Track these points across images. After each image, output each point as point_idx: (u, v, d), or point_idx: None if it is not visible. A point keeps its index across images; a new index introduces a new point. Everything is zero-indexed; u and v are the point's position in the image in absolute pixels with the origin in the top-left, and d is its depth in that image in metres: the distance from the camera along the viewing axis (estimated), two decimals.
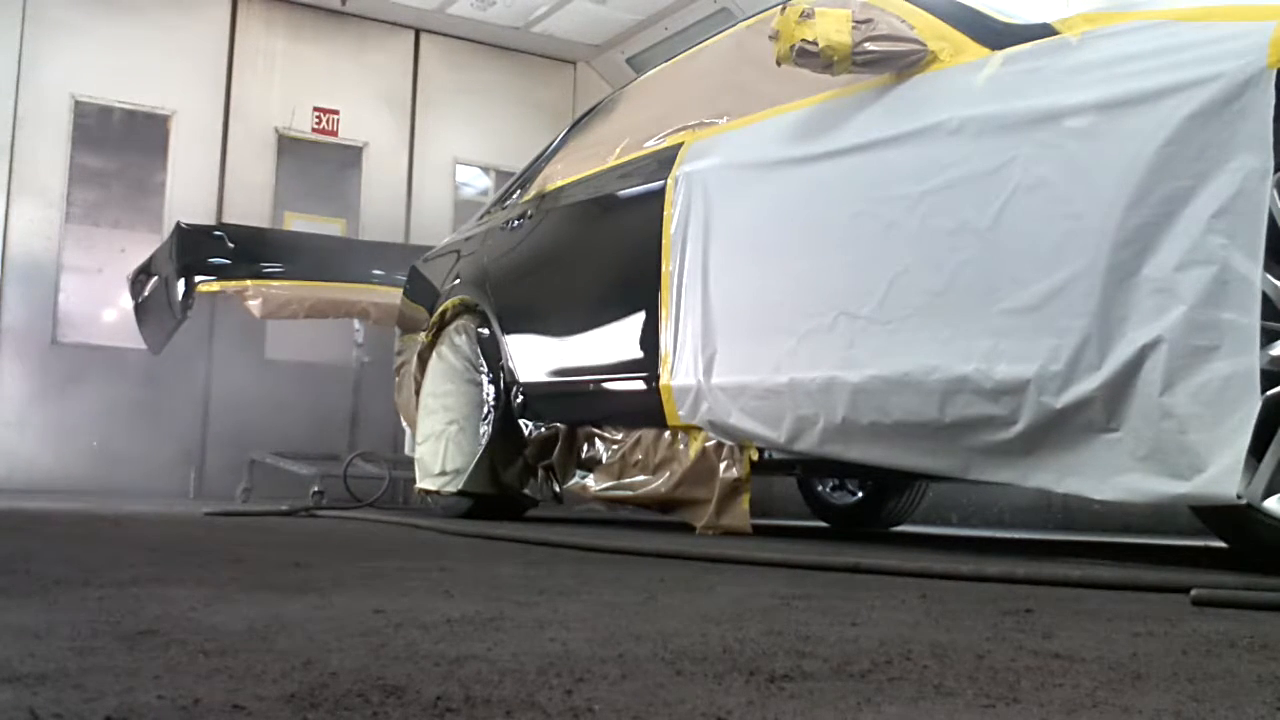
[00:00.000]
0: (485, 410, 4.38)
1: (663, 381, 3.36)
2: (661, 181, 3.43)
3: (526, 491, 4.31)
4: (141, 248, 7.16)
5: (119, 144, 7.51)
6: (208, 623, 1.24)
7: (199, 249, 6.51)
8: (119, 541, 2.66)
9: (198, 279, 6.36)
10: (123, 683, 0.88)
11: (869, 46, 2.65)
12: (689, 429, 3.35)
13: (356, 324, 7.13)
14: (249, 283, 6.40)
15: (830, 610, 1.48)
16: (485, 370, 4.41)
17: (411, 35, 8.39)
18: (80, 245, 7.36)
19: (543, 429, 4.06)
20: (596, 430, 3.83)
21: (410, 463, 5.11)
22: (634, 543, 2.70)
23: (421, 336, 4.85)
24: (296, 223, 7.82)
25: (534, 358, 4.07)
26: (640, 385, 3.49)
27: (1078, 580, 1.89)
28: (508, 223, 4.42)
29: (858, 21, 2.67)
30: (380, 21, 8.24)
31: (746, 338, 3.07)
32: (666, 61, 4.16)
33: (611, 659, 1.05)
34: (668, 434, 3.46)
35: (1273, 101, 1.91)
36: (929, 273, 2.49)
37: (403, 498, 6.52)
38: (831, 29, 2.65)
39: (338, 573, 1.93)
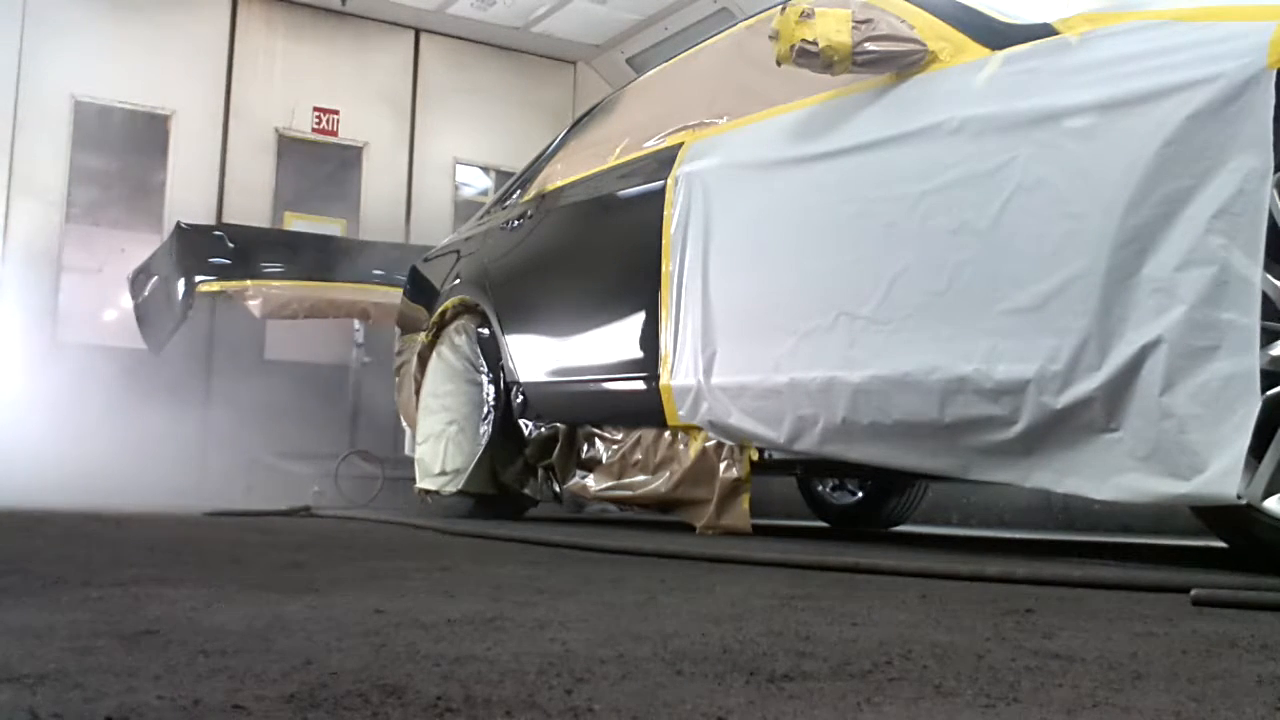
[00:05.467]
0: (485, 410, 4.38)
1: (663, 381, 3.36)
2: (661, 181, 3.43)
3: (526, 491, 4.31)
4: (141, 248, 7.17)
5: (119, 144, 7.52)
6: (208, 623, 1.24)
7: (199, 249, 6.51)
8: (119, 541, 2.66)
9: (198, 279, 6.37)
10: (123, 683, 0.88)
11: (869, 46, 2.65)
12: (689, 429, 3.35)
13: (356, 324, 7.13)
14: (249, 283, 6.41)
15: (830, 610, 1.48)
16: (485, 370, 4.41)
17: (411, 35, 8.39)
18: (80, 245, 7.36)
19: (543, 429, 4.06)
20: (596, 430, 3.83)
21: (407, 461, 5.12)
22: (634, 543, 2.70)
23: (421, 336, 4.85)
24: (296, 223, 7.82)
25: (534, 358, 4.07)
26: (640, 385, 3.49)
27: (1078, 580, 1.89)
28: (508, 223, 4.42)
29: (858, 21, 2.67)
30: (380, 21, 8.24)
31: (746, 338, 3.07)
32: (666, 61, 4.16)
33: (611, 659, 1.05)
34: (668, 434, 3.46)
35: (1273, 101, 1.91)
36: (929, 273, 2.49)
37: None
38: (831, 29, 2.65)
39: (338, 573, 1.93)
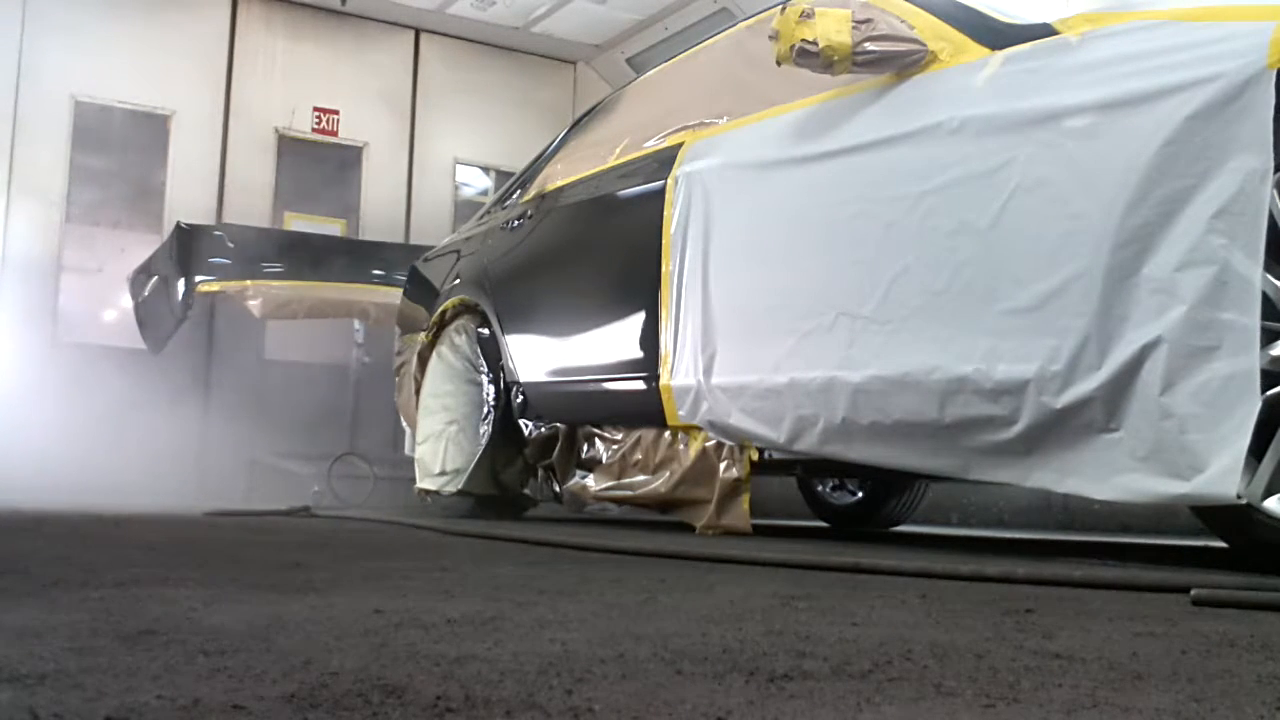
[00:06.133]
0: (485, 410, 4.38)
1: (663, 381, 3.36)
2: (661, 181, 3.43)
3: (526, 491, 4.31)
4: (141, 248, 7.16)
5: (119, 144, 7.51)
6: (208, 623, 1.24)
7: (199, 249, 6.51)
8: (119, 541, 2.66)
9: (198, 279, 6.37)
10: (123, 683, 0.88)
11: (869, 46, 2.65)
12: (689, 429, 3.35)
13: (356, 324, 7.13)
14: (249, 283, 6.41)
15: (830, 610, 1.48)
16: (485, 370, 4.41)
17: (411, 35, 8.39)
18: (80, 245, 7.36)
19: (543, 429, 4.06)
20: (596, 430, 3.83)
21: (405, 461, 5.12)
22: (634, 543, 2.70)
23: (421, 336, 4.85)
24: (296, 223, 7.82)
25: (534, 358, 4.07)
26: (640, 385, 3.49)
27: (1078, 580, 1.88)
28: (508, 223, 4.42)
29: (858, 21, 2.67)
30: (380, 21, 8.24)
31: (746, 338, 3.07)
32: (666, 61, 4.16)
33: (611, 659, 1.05)
34: (668, 434, 3.46)
35: (1273, 101, 1.91)
36: (929, 273, 2.49)
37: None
38: (831, 29, 2.65)
39: (338, 573, 1.93)
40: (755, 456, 3.20)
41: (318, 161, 8.12)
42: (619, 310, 3.64)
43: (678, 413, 3.33)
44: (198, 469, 7.06)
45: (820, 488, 4.64)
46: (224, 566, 2.03)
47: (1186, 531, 3.89)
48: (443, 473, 4.48)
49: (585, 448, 3.89)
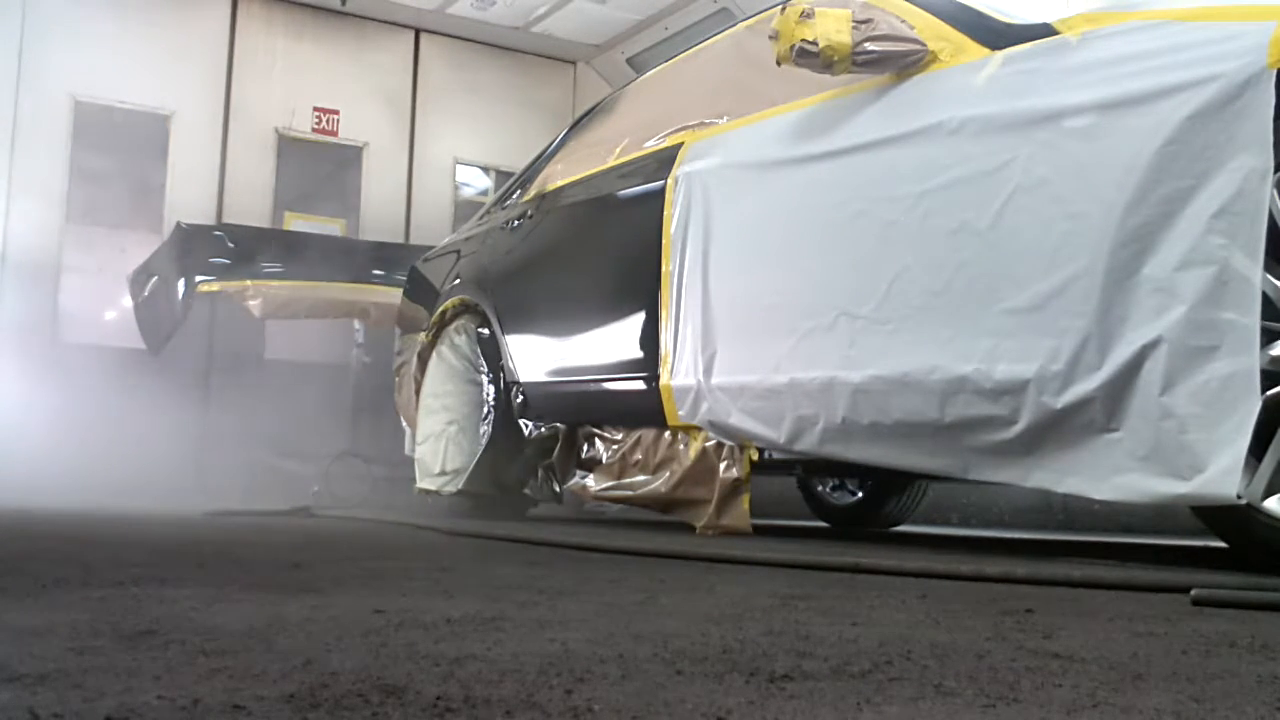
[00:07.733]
0: (485, 410, 4.38)
1: (663, 381, 3.36)
2: (661, 181, 3.43)
3: (526, 491, 4.31)
4: (141, 248, 7.16)
5: (119, 144, 7.51)
6: (208, 623, 1.24)
7: (199, 249, 6.51)
8: (119, 541, 2.66)
9: (198, 279, 6.37)
10: (123, 683, 0.88)
11: (869, 46, 2.65)
12: (689, 429, 3.35)
13: (356, 324, 7.13)
14: (249, 283, 6.41)
15: (830, 610, 1.48)
16: (485, 370, 4.41)
17: (411, 35, 8.39)
18: (80, 245, 7.36)
19: (543, 429, 4.06)
20: (596, 430, 3.83)
21: (405, 460, 5.11)
22: (634, 543, 2.70)
23: (421, 336, 4.85)
24: (296, 223, 7.82)
25: (534, 358, 4.07)
26: (640, 385, 3.49)
27: (1078, 580, 1.89)
28: (508, 223, 4.42)
29: (858, 21, 2.67)
30: (380, 21, 8.24)
31: (746, 338, 3.07)
32: (666, 61, 4.16)
33: (611, 659, 1.05)
34: (668, 434, 3.46)
35: (1273, 101, 1.91)
36: (929, 273, 2.49)
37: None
38: (831, 29, 2.65)
39: (338, 573, 1.93)
40: (755, 456, 3.20)
41: (318, 161, 8.12)
42: (619, 310, 3.64)
43: (678, 413, 3.33)
44: (198, 469, 7.05)
45: (820, 488, 4.64)
46: (224, 566, 2.03)
47: (1186, 531, 3.88)
48: (443, 473, 4.48)
49: (585, 448, 3.88)
